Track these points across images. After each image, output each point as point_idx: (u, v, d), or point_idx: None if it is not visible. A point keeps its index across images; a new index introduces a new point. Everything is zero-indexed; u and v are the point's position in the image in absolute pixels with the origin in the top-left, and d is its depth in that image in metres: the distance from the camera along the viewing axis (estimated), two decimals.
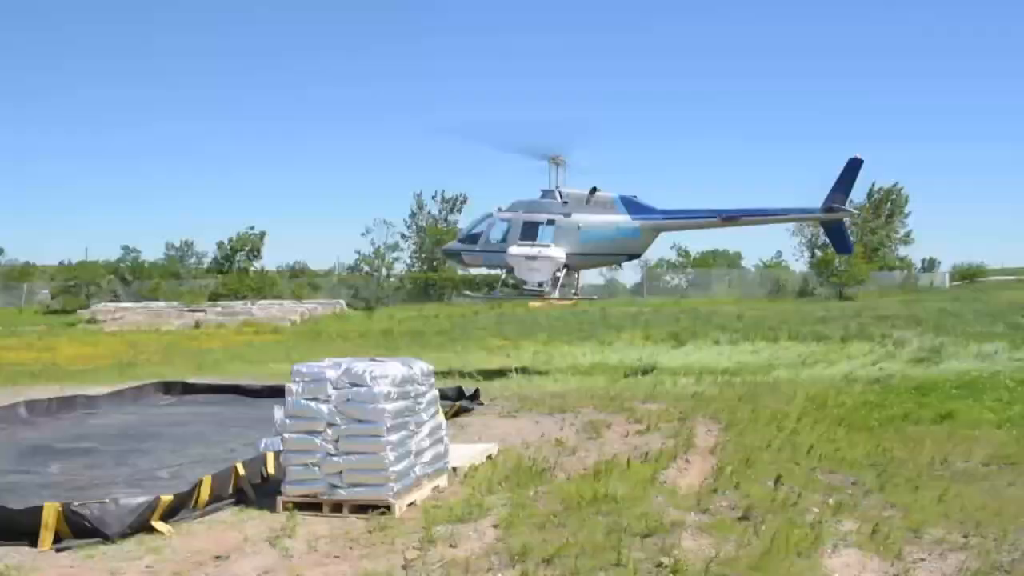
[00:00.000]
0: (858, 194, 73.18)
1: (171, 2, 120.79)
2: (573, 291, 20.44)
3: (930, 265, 78.34)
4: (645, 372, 18.85)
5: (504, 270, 19.99)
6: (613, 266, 21.10)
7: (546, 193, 19.46)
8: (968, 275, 74.74)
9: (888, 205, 72.91)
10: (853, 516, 7.56)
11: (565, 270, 18.95)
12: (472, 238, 20.08)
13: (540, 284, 18.80)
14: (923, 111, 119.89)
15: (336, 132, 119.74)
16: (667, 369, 19.50)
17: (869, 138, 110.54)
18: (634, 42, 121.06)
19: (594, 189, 19.04)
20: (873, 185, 73.02)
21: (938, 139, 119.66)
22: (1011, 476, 8.97)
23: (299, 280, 62.17)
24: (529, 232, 18.85)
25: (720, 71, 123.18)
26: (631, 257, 20.21)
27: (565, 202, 19.11)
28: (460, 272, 64.25)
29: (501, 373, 19.09)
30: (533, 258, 18.63)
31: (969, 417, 12.03)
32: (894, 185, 73.00)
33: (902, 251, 74.32)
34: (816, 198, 18.73)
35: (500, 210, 19.58)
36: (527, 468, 9.31)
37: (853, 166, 18.37)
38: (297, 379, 8.01)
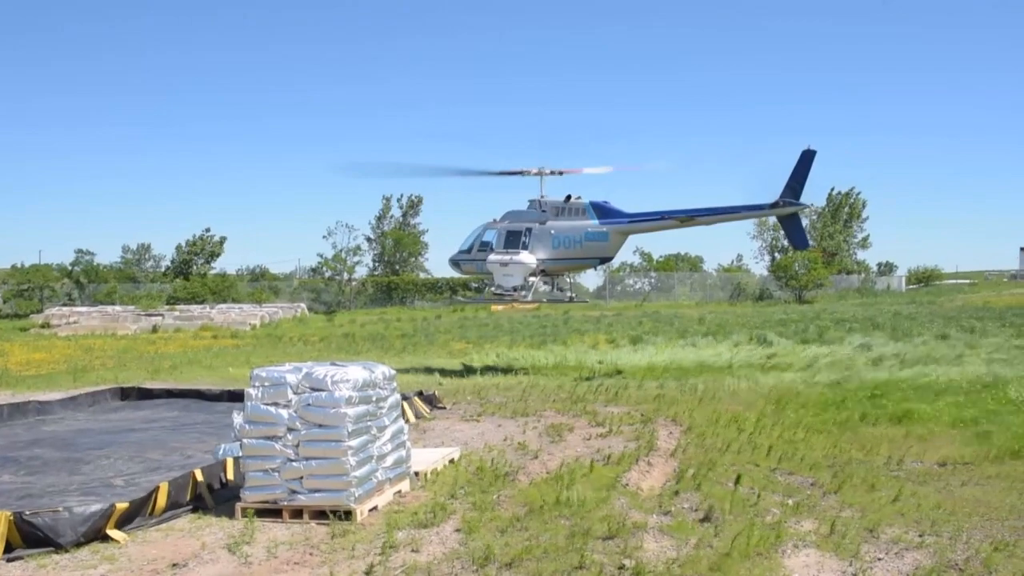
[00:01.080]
0: (817, 198, 74.49)
1: (126, 4, 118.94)
2: (569, 295, 21.75)
3: (887, 269, 79.79)
4: (607, 375, 18.95)
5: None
6: (586, 270, 22.66)
7: (531, 203, 20.38)
8: (923, 279, 76.24)
9: (846, 210, 74.13)
10: (812, 516, 7.66)
11: (541, 274, 20.00)
12: (469, 248, 21.00)
13: (514, 288, 19.65)
14: (881, 118, 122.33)
15: (297, 135, 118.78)
16: (629, 372, 19.61)
17: (826, 143, 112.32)
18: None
19: (568, 197, 19.89)
20: (832, 190, 74.26)
21: (895, 146, 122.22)
22: (964, 476, 9.14)
23: (259, 284, 61.43)
24: (511, 241, 19.92)
25: (674, 81, 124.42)
26: (603, 260, 20.78)
27: (544, 211, 20.03)
28: (422, 276, 64.17)
29: (463, 375, 19.05)
30: (506, 264, 19.64)
31: (924, 419, 12.24)
32: (851, 190, 74.32)
33: (860, 255, 75.61)
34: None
35: (495, 221, 20.64)
36: (489, 472, 9.29)
37: (806, 159, 18.57)
38: (256, 384, 7.90)
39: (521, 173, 20.25)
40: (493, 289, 20.48)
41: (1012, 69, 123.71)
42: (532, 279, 19.74)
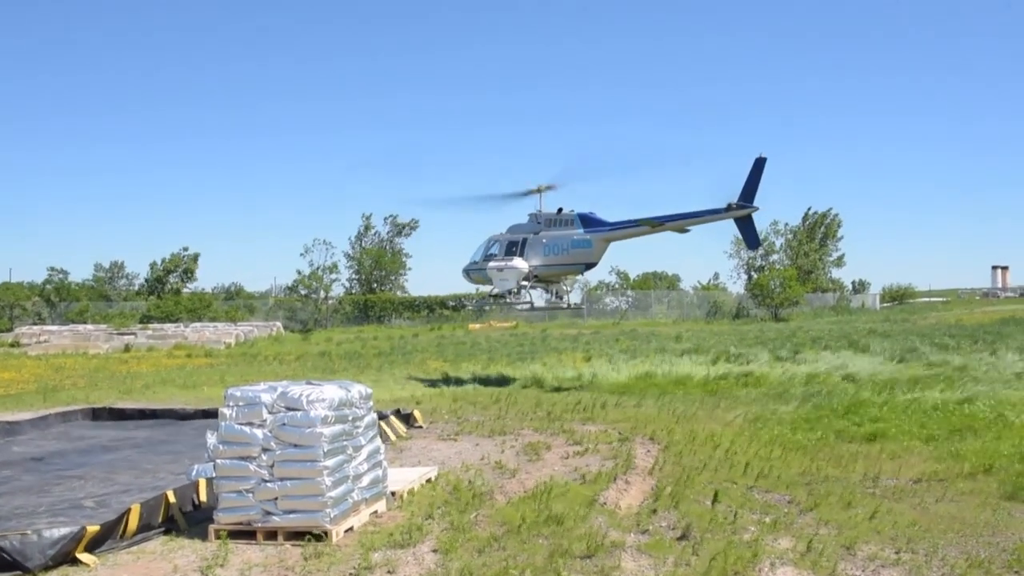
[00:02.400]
0: (793, 218, 75.47)
1: (101, 19, 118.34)
2: (564, 303, 23.86)
3: (861, 287, 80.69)
4: (584, 388, 18.95)
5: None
6: (576, 275, 23.73)
7: (530, 216, 22.26)
8: (897, 296, 77.19)
9: (822, 229, 75.01)
10: (789, 534, 7.66)
11: (534, 279, 21.94)
12: (477, 260, 22.76)
13: (509, 291, 21.91)
14: (857, 140, 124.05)
15: (275, 152, 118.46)
16: (606, 389, 19.61)
17: (803, 164, 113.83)
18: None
19: (559, 209, 21.84)
20: (808, 210, 75.22)
21: (869, 165, 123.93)
22: (939, 493, 9.20)
23: (234, 302, 60.98)
24: (509, 249, 21.91)
25: (651, 99, 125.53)
26: (588, 266, 22.09)
27: (538, 222, 21.97)
28: (400, 295, 64.01)
29: (441, 394, 18.98)
30: (502, 269, 21.69)
31: (898, 436, 12.33)
32: (828, 210, 75.26)
33: (835, 273, 76.48)
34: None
35: (500, 234, 22.53)
36: (467, 491, 9.23)
37: (758, 165, 20.00)
38: (231, 403, 7.81)
39: (528, 193, 22.26)
40: (493, 291, 22.53)
41: (983, 91, 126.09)
42: (525, 283, 21.79)
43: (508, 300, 22.44)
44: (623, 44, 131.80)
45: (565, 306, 24.20)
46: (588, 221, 21.41)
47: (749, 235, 21.46)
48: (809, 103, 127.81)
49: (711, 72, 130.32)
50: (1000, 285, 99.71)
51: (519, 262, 21.47)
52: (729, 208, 20.26)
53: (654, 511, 8.42)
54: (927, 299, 79.32)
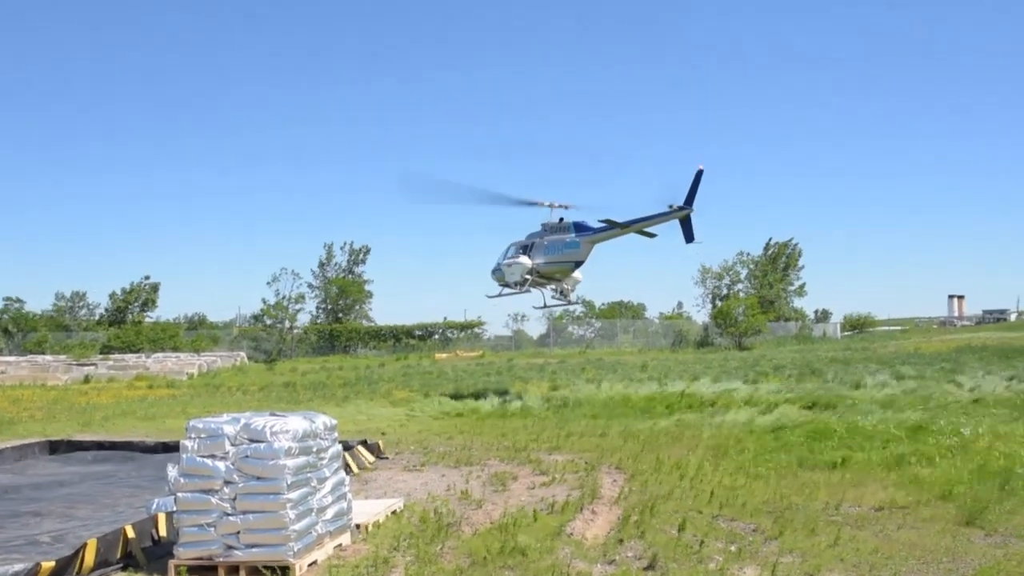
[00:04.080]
0: (755, 248, 76.57)
1: (55, 45, 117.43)
2: (566, 299, 27.59)
3: (823, 316, 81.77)
4: (549, 417, 18.95)
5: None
6: (569, 272, 26.48)
7: (542, 226, 26.57)
8: (857, 325, 78.29)
9: (783, 259, 76.08)
10: (754, 562, 7.71)
11: (536, 274, 26.02)
12: (499, 261, 27.10)
13: (516, 283, 26.37)
14: (815, 169, 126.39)
15: (239, 179, 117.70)
16: (573, 418, 19.62)
17: (764, 195, 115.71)
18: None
19: (561, 219, 26.28)
20: (770, 240, 76.35)
21: (829, 197, 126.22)
22: (900, 519, 9.31)
23: (198, 332, 60.23)
24: (521, 251, 26.45)
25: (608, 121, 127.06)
26: (577, 264, 25.83)
27: (545, 230, 26.32)
28: (365, 324, 63.69)
29: (407, 425, 18.87)
30: (511, 265, 26.31)
31: (860, 463, 12.47)
32: (789, 240, 76.41)
33: (797, 303, 77.44)
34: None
35: (518, 240, 26.96)
36: (432, 523, 9.17)
37: (698, 176, 24.20)
38: (192, 435, 7.71)
39: (537, 204, 26.42)
40: (505, 280, 26.74)
41: (939, 122, 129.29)
42: (528, 276, 26.00)
43: (516, 291, 26.72)
44: (578, 72, 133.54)
45: (566, 303, 28.04)
46: (579, 228, 25.62)
47: (687, 232, 24.72)
48: (768, 131, 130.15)
49: (675, 100, 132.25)
50: (956, 314, 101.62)
51: (524, 259, 25.96)
52: (671, 210, 24.25)
53: (620, 541, 8.42)
54: (886, 328, 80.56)
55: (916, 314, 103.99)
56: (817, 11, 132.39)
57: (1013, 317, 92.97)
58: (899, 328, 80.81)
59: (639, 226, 25.00)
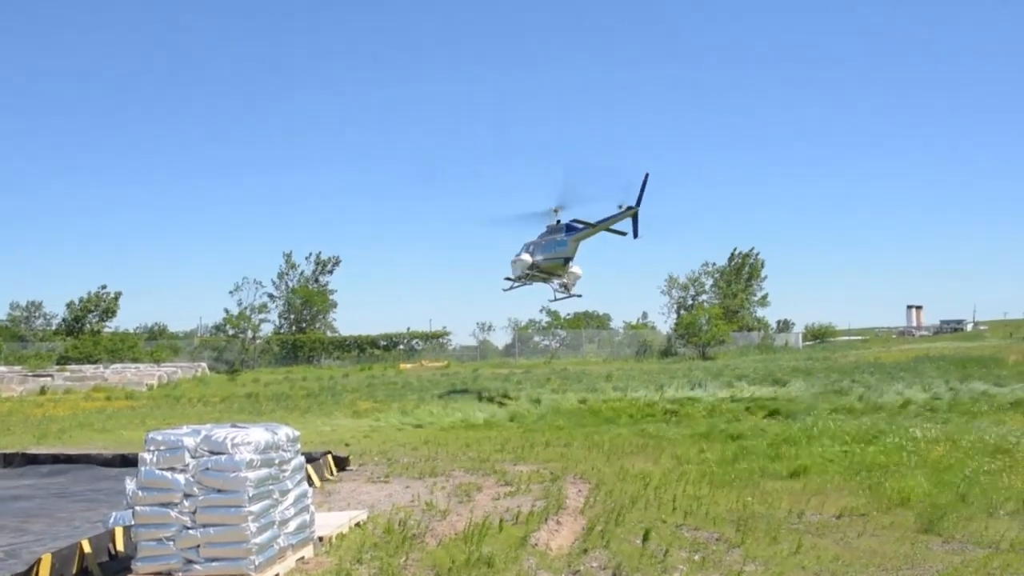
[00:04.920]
0: (720, 258, 77.43)
1: (13, 58, 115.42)
2: (568, 292, 30.71)
3: (785, 326, 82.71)
4: (515, 427, 18.94)
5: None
6: (562, 267, 29.86)
7: (546, 227, 30.12)
8: (819, 335, 79.32)
9: (747, 269, 76.88)
10: (717, 571, 7.75)
11: (535, 268, 29.59)
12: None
13: (518, 277, 30.43)
14: (776, 180, 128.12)
15: (200, 187, 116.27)
16: (538, 428, 19.63)
17: (727, 205, 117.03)
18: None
19: (558, 220, 29.66)
20: (734, 250, 77.16)
21: (791, 208, 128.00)
22: (860, 527, 9.43)
23: (158, 342, 59.31)
24: (525, 250, 30.00)
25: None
26: (566, 260, 29.19)
27: (547, 231, 29.85)
28: (329, 334, 63.17)
29: (371, 436, 18.74)
30: (515, 262, 30.22)
31: (820, 471, 12.62)
32: (751, 250, 77.26)
33: (759, 313, 78.22)
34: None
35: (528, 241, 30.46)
36: (397, 534, 9.11)
37: (645, 179, 27.78)
38: (151, 447, 7.57)
39: (546, 212, 30.01)
40: (509, 276, 30.85)
41: (899, 137, 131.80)
42: (529, 271, 29.66)
43: (521, 284, 30.74)
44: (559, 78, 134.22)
45: (568, 295, 31.05)
46: (569, 228, 29.09)
47: (635, 228, 28.22)
48: (728, 142, 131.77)
49: (636, 106, 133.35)
50: (915, 324, 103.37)
51: (526, 257, 29.68)
52: (622, 210, 27.75)
53: (585, 551, 8.43)
54: (847, 337, 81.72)
55: (876, 324, 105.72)
56: (776, 15, 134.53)
57: (969, 327, 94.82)
58: (859, 338, 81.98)
59: (604, 225, 28.43)
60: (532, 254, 29.73)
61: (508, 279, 31.10)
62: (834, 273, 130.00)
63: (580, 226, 28.83)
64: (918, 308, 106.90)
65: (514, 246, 30.92)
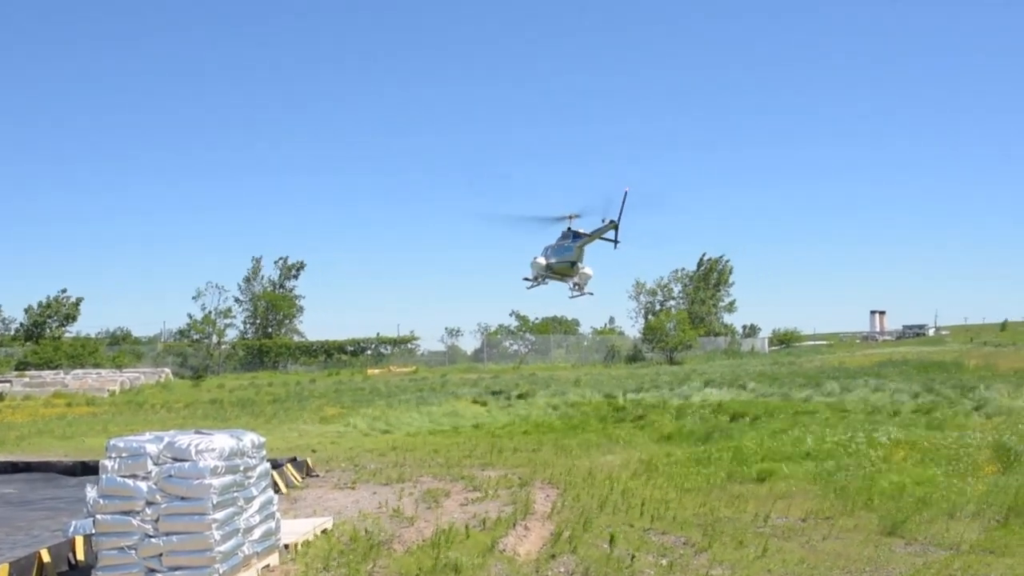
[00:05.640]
0: (689, 264, 78.02)
1: None
2: (582, 291, 33.74)
3: (751, 331, 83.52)
4: (483, 432, 18.90)
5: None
6: (572, 270, 33.12)
7: (561, 233, 33.10)
8: (785, 340, 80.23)
9: (715, 275, 77.56)
10: (685, 575, 7.78)
11: (549, 270, 32.96)
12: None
13: (535, 278, 33.39)
14: (743, 186, 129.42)
15: (164, 191, 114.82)
16: (506, 434, 19.61)
17: (696, 212, 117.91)
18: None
19: (568, 228, 32.75)
20: (703, 256, 77.79)
21: (757, 214, 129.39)
22: (825, 530, 9.52)
23: (120, 347, 58.40)
24: (543, 253, 33.02)
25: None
26: (572, 264, 32.57)
27: (560, 236, 32.90)
28: (296, 339, 62.68)
29: (338, 442, 18.60)
30: (532, 265, 33.18)
31: (786, 475, 12.74)
32: (720, 256, 77.95)
33: (726, 318, 78.96)
34: None
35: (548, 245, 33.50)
36: (363, 541, 9.03)
37: (625, 196, 31.18)
38: (113, 454, 7.43)
39: (562, 218, 32.92)
40: (529, 276, 33.70)
41: (861, 145, 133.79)
42: (544, 272, 33.00)
43: (538, 283, 33.59)
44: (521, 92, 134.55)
45: (581, 294, 33.83)
46: (575, 235, 32.40)
47: (615, 238, 31.65)
48: (698, 147, 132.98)
49: (607, 113, 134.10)
50: (878, 329, 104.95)
51: (541, 259, 32.86)
52: (606, 223, 31.30)
53: (553, 556, 8.42)
54: (812, 343, 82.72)
55: (840, 329, 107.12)
56: (743, 19, 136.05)
57: (931, 332, 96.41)
58: (824, 343, 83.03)
59: (596, 235, 32.03)
60: (548, 257, 33.09)
61: (526, 279, 33.95)
62: (799, 279, 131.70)
63: (579, 235, 32.60)
64: (881, 313, 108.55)
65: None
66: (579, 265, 32.72)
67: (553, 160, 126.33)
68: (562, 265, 32.90)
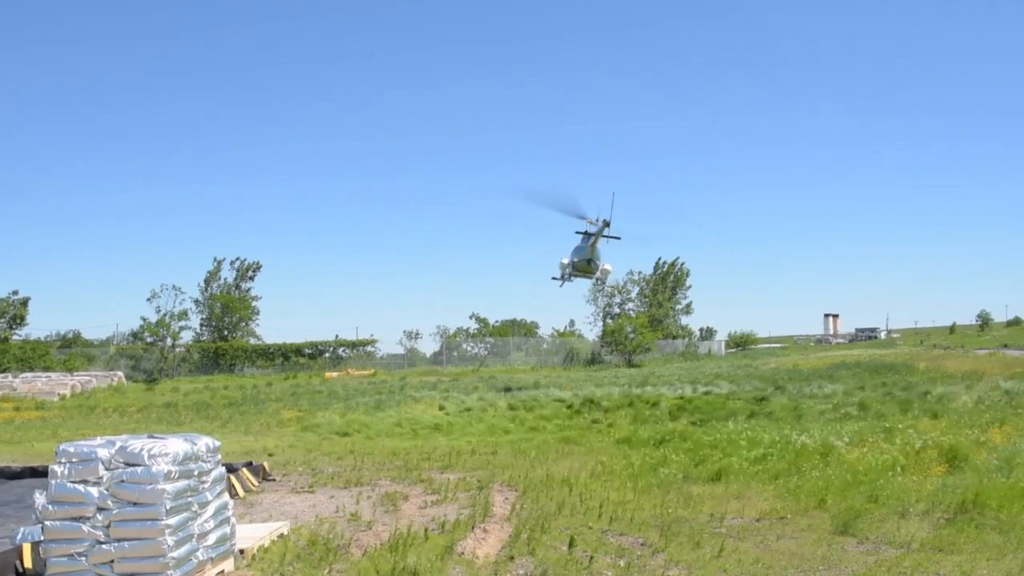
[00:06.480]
0: (646, 267, 78.58)
1: None
2: (601, 284, 41.56)
3: (708, 334, 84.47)
4: (442, 434, 18.85)
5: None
6: (589, 270, 35.75)
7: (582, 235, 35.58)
8: (741, 342, 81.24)
9: (672, 278, 78.24)
10: None
11: (573, 267, 35.58)
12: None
13: (562, 276, 36.15)
14: (700, 191, 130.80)
15: (116, 189, 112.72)
16: (465, 437, 19.58)
17: (649, 216, 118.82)
18: None
19: (586, 230, 34.67)
20: (659, 259, 78.41)
21: (713, 218, 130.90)
22: (780, 530, 9.66)
23: (71, 350, 57.17)
24: (571, 254, 35.65)
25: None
26: (589, 262, 35.04)
27: (581, 238, 35.16)
28: (252, 342, 61.90)
29: (295, 445, 18.41)
30: (559, 264, 36.13)
31: (741, 475, 12.89)
32: (676, 260, 78.63)
33: (684, 321, 79.69)
34: None
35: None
36: (321, 545, 8.95)
37: (612, 198, 37.32)
38: (63, 459, 7.28)
39: (588, 220, 34.65)
40: (557, 276, 36.65)
41: (818, 153, 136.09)
42: (568, 269, 35.67)
43: (565, 280, 36.21)
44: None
45: (603, 288, 40.23)
46: (585, 236, 34.71)
47: (615, 236, 34.49)
48: (651, 151, 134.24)
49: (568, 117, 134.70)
50: (832, 332, 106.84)
51: (565, 259, 35.78)
52: (599, 223, 33.62)
53: (511, 558, 8.42)
54: (767, 345, 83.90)
55: (795, 332, 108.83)
56: (697, 23, 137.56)
57: (883, 335, 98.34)
58: (779, 345, 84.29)
59: (597, 235, 34.23)
60: (570, 257, 36.05)
61: (555, 278, 36.99)
62: (755, 282, 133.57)
63: (589, 236, 35.16)
64: (835, 316, 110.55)
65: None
66: (596, 262, 35.16)
67: (503, 161, 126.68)
68: (580, 263, 35.57)
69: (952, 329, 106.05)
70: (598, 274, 36.49)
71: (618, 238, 34.47)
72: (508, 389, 33.99)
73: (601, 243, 34.76)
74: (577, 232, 35.22)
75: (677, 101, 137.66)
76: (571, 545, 8.79)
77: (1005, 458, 13.04)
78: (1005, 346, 63.21)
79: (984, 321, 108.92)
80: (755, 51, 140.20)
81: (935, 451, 13.97)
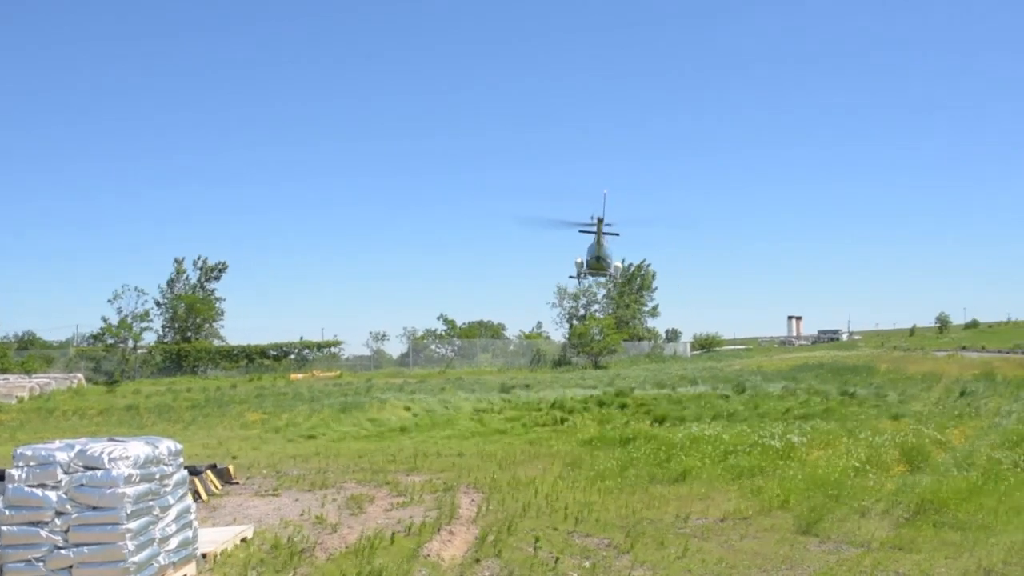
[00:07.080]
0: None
1: None
2: (613, 280, 41.23)
3: (674, 335, 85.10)
4: (408, 436, 18.78)
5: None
6: (602, 269, 36.38)
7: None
8: (706, 344, 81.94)
9: (638, 280, 78.67)
10: None
11: (587, 265, 35.68)
12: None
13: (578, 275, 36.90)
14: (664, 193, 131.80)
15: (75, 186, 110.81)
16: (431, 439, 19.53)
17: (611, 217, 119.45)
18: None
19: (586, 230, 35.59)
20: (623, 260, 78.76)
21: (681, 220, 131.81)
22: (743, 530, 9.76)
23: (29, 352, 56.08)
24: (585, 251, 35.84)
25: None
26: (598, 259, 35.28)
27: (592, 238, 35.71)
28: (216, 343, 61.16)
29: (259, 448, 18.24)
30: (576, 263, 36.25)
31: (705, 476, 13.00)
32: (643, 262, 79.11)
33: (650, 323, 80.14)
34: None
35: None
36: (285, 549, 8.88)
37: (604, 197, 34.92)
38: (20, 463, 7.15)
39: (592, 220, 35.03)
40: (574, 275, 37.54)
41: (783, 154, 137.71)
42: (582, 268, 35.92)
43: (581, 278, 37.58)
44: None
45: (614, 282, 41.30)
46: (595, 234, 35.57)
47: (610, 233, 34.91)
48: (619, 154, 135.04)
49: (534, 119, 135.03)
50: (795, 334, 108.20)
51: (579, 258, 36.05)
52: (595, 220, 34.08)
53: (477, 560, 8.42)
54: (732, 347, 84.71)
55: (759, 334, 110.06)
56: (656, 26, 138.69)
57: (845, 337, 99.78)
58: (744, 347, 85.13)
59: (597, 233, 34.74)
60: (584, 256, 36.67)
61: (572, 277, 38.50)
62: (720, 284, 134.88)
63: (592, 234, 35.92)
64: (798, 319, 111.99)
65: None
66: (606, 260, 35.89)
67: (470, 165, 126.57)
68: (591, 260, 36.46)
69: (912, 331, 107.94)
70: (610, 271, 37.44)
71: (616, 234, 35.43)
72: (475, 391, 33.92)
73: (609, 240, 35.48)
74: (580, 231, 36.03)
75: (635, 100, 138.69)
76: (537, 546, 8.81)
77: (963, 457, 13.30)
78: (963, 348, 64.39)
79: (943, 323, 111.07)
80: (723, 54, 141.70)
81: (896, 451, 14.22)
